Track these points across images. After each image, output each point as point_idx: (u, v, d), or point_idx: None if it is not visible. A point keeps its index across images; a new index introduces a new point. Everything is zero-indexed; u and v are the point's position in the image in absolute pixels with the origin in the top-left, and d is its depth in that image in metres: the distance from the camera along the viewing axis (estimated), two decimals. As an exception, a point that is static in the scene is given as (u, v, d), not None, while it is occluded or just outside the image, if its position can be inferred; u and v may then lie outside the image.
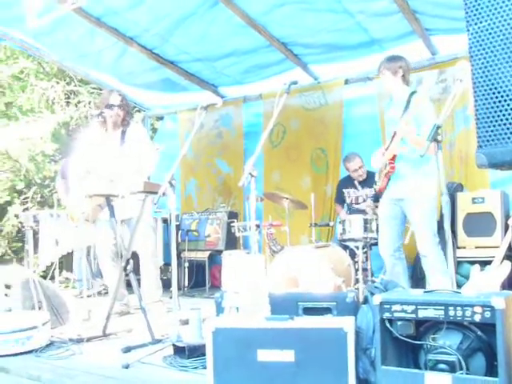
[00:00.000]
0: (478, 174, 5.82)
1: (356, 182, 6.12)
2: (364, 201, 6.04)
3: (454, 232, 5.25)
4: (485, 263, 4.44)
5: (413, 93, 4.44)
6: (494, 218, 5.24)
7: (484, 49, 1.47)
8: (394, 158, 4.44)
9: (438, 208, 4.53)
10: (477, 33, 1.47)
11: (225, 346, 2.68)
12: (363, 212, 5.65)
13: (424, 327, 2.50)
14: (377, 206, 5.71)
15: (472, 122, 5.89)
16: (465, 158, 6.02)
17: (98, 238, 5.04)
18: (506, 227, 4.99)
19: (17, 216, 8.92)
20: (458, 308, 2.31)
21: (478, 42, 1.48)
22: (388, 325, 2.47)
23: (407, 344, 2.50)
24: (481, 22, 1.47)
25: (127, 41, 6.52)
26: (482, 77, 1.47)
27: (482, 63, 1.46)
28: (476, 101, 1.48)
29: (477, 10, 1.49)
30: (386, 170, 4.51)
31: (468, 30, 1.49)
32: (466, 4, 1.50)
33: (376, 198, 5.93)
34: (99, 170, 4.84)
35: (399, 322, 2.45)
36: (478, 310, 2.27)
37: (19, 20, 5.63)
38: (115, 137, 5.05)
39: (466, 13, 1.50)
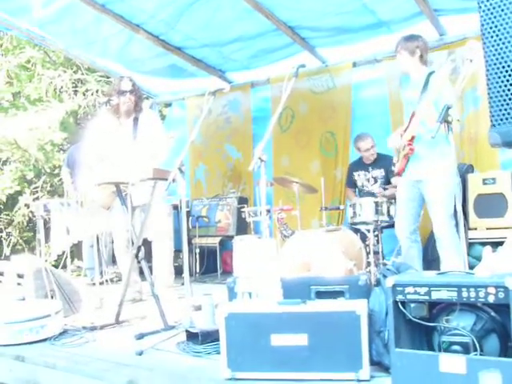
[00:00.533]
0: (488, 155, 5.79)
1: (366, 164, 6.11)
2: (375, 182, 6.03)
3: (464, 213, 5.22)
4: (496, 244, 4.43)
5: (431, 73, 4.38)
6: (505, 198, 5.20)
7: (496, 26, 1.45)
8: (412, 139, 4.37)
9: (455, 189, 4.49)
10: (489, 10, 1.45)
11: (238, 330, 2.68)
12: (374, 195, 5.65)
13: (437, 309, 2.49)
14: (385, 189, 5.72)
15: (481, 103, 5.85)
16: (474, 139, 5.98)
17: (113, 225, 5.05)
18: (519, 208, 4.98)
19: (27, 206, 8.97)
20: (472, 289, 2.29)
21: (489, 19, 1.45)
22: (401, 307, 2.46)
23: (420, 326, 2.50)
24: (493, -1, 1.44)
25: (133, 27, 6.49)
26: (494, 55, 1.44)
27: (495, 41, 1.44)
28: (488, 79, 1.46)
29: (489, -14, 1.46)
30: (404, 152, 4.46)
31: (480, 7, 1.46)
32: (476, -19, 1.48)
33: (387, 180, 5.93)
34: (112, 157, 4.85)
35: (412, 304, 2.44)
36: (491, 290, 2.25)
37: (25, 10, 5.64)
38: (128, 124, 5.05)
39: (478, -11, 1.47)
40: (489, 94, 1.45)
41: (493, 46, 1.44)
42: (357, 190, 6.31)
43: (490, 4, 1.43)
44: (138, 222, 4.77)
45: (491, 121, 1.46)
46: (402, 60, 4.52)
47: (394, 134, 4.64)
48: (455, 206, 3.37)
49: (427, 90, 4.28)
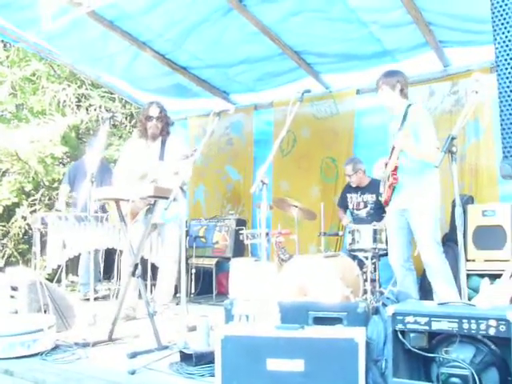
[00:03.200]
0: (488, 187, 5.80)
1: (359, 188, 6.19)
2: (365, 206, 6.06)
3: (463, 244, 5.20)
4: (494, 277, 4.42)
5: (409, 105, 4.55)
6: (504, 231, 5.19)
7: (511, 58, 1.44)
8: (396, 169, 4.52)
9: (440, 217, 4.55)
10: (504, 42, 1.45)
11: (234, 354, 2.65)
12: (362, 220, 5.68)
13: (436, 340, 2.47)
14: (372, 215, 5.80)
15: (483, 135, 5.87)
16: (475, 170, 5.99)
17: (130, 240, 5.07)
18: (517, 241, 4.97)
19: (24, 218, 8.92)
20: (473, 321, 2.28)
21: (505, 51, 1.45)
22: (400, 336, 2.44)
23: (419, 356, 2.47)
24: (508, 32, 1.44)
25: (140, 45, 6.53)
26: (508, 86, 1.44)
27: (509, 73, 1.44)
28: (502, 111, 1.45)
29: (504, 19, 1.46)
30: (389, 182, 4.56)
31: (495, 39, 1.47)
32: (493, 13, 1.48)
33: (377, 206, 5.95)
34: (137, 176, 4.95)
35: (412, 334, 2.43)
36: (492, 323, 2.24)
37: (33, 22, 5.66)
38: (155, 146, 5.23)
39: (494, 22, 1.48)
40: (502, 125, 1.45)
41: (507, 77, 1.44)
42: (348, 212, 6.33)
43: (506, 36, 1.43)
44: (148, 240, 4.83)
45: (503, 152, 1.45)
46: (384, 95, 4.66)
47: (377, 164, 4.74)
48: (456, 237, 3.36)
49: (406, 121, 4.44)
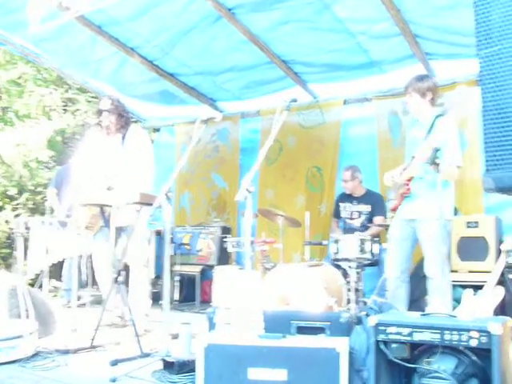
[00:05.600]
0: (473, 199, 5.84)
1: (353, 197, 6.17)
2: (359, 217, 6.06)
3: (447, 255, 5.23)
4: (477, 288, 4.44)
5: (438, 116, 4.34)
6: (487, 242, 5.23)
7: (494, 73, 1.46)
8: (410, 179, 4.38)
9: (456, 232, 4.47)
10: (487, 57, 1.47)
11: (216, 362, 2.64)
12: (355, 230, 5.67)
13: (418, 351, 2.47)
14: (367, 227, 5.78)
15: (468, 147, 5.92)
16: (460, 181, 6.02)
17: (96, 247, 4.99)
18: (499, 252, 5.00)
19: (7, 222, 8.85)
20: (455, 332, 2.29)
21: (488, 66, 1.47)
22: (383, 347, 2.45)
23: (401, 367, 2.48)
24: (491, 47, 1.46)
25: (128, 51, 6.52)
26: (491, 101, 1.46)
27: (492, 87, 1.45)
28: (485, 125, 1.47)
29: (488, 34, 1.48)
30: (401, 190, 4.46)
31: (479, 54, 1.48)
32: (477, 29, 1.50)
33: (371, 217, 5.96)
34: (97, 177, 4.81)
35: (394, 345, 2.43)
36: (474, 334, 2.25)
37: (21, 25, 5.64)
38: (115, 142, 5.02)
39: (477, 37, 1.50)
40: (485, 139, 1.47)
41: (490, 92, 1.45)
42: (341, 221, 6.32)
43: (489, 52, 1.45)
44: (119, 244, 4.72)
45: (486, 166, 1.47)
46: (412, 102, 4.43)
47: (392, 172, 4.61)
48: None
49: (432, 133, 4.24)
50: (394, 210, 4.61)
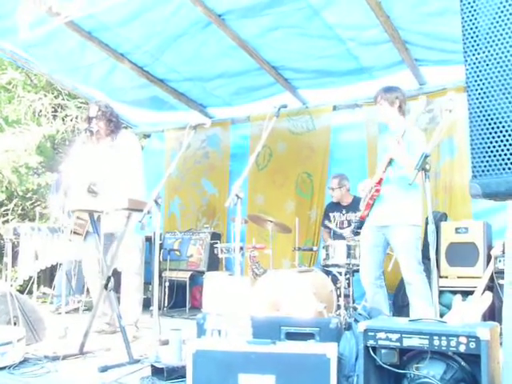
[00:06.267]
0: (462, 205, 5.87)
1: (342, 206, 6.16)
2: (349, 225, 6.06)
3: (436, 261, 5.25)
4: (466, 293, 4.46)
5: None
6: (476, 248, 5.25)
7: (481, 79, 1.47)
8: (380, 181, 4.43)
9: (422, 236, 4.55)
10: (474, 63, 1.48)
11: (205, 368, 2.64)
12: (345, 238, 5.67)
13: (407, 356, 2.48)
14: (357, 233, 5.76)
15: (457, 153, 5.96)
16: (449, 187, 6.06)
17: (85, 253, 4.96)
18: (489, 258, 5.02)
19: (-4, 228, 8.80)
20: (443, 338, 2.29)
21: (475, 72, 1.48)
22: (372, 352, 2.45)
23: (390, 372, 2.48)
24: (478, 54, 1.47)
25: (118, 57, 6.51)
26: (478, 107, 1.47)
27: (479, 94, 1.46)
28: (472, 131, 1.48)
29: (475, 41, 1.49)
30: (370, 194, 4.50)
31: (466, 61, 1.49)
32: (464, 35, 1.51)
33: (360, 225, 5.96)
34: (85, 183, 4.79)
35: (383, 350, 2.44)
36: (463, 340, 2.26)
37: (10, 31, 5.63)
38: (104, 147, 4.99)
39: (464, 43, 1.50)
40: (471, 145, 1.47)
41: (477, 98, 1.46)
42: (331, 231, 6.32)
43: (476, 58, 1.46)
44: (109, 250, 4.70)
45: (472, 172, 1.48)
46: (382, 110, 4.60)
47: (364, 181, 4.69)
48: (429, 253, 3.39)
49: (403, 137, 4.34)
50: (363, 218, 4.65)
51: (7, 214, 8.94)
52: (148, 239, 6.48)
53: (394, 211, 4.38)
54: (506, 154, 1.42)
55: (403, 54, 5.74)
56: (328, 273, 5.41)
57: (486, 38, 1.47)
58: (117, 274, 4.82)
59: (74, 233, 4.76)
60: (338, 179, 6.14)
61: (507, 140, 1.43)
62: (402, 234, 4.35)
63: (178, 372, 3.13)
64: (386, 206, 4.44)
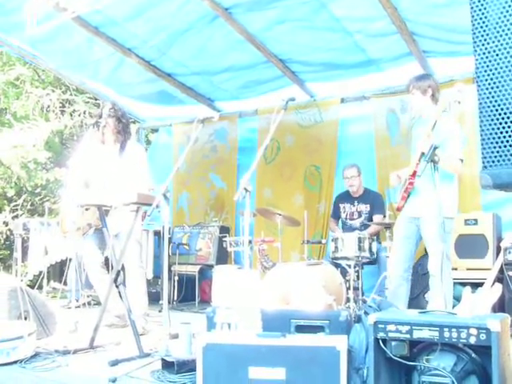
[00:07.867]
0: (471, 196, 5.83)
1: (353, 197, 6.15)
2: (359, 216, 6.06)
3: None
4: (476, 285, 4.44)
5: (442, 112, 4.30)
6: (486, 240, 5.24)
7: (491, 69, 1.46)
8: (414, 174, 4.32)
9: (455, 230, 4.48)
10: (484, 54, 1.47)
11: (215, 361, 2.64)
12: (355, 229, 5.66)
13: (418, 348, 2.47)
14: (366, 226, 5.76)
15: (466, 145, 5.92)
16: (458, 179, 6.02)
17: (85, 250, 4.97)
18: (498, 250, 5.01)
19: (6, 223, 8.85)
20: (454, 330, 2.29)
21: (484, 62, 1.47)
22: (382, 345, 2.45)
23: (400, 365, 2.48)
24: (488, 44, 1.46)
25: (125, 52, 6.51)
26: (488, 97, 1.46)
27: (489, 84, 1.45)
28: (481, 121, 1.47)
29: (484, 31, 1.48)
30: (405, 187, 4.44)
31: (475, 51, 1.48)
32: (473, 25, 1.50)
33: (370, 216, 5.96)
34: (95, 182, 4.80)
35: (393, 343, 2.43)
36: (473, 332, 2.25)
37: (18, 27, 5.63)
38: (113, 150, 4.97)
39: (474, 34, 1.49)
40: (481, 135, 1.46)
41: (487, 89, 1.45)
42: (340, 222, 6.32)
43: (486, 48, 1.45)
44: (116, 246, 4.71)
45: (483, 162, 1.47)
46: (415, 99, 4.53)
47: (398, 171, 4.63)
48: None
49: (435, 129, 4.18)
50: (399, 209, 4.60)
51: (16, 210, 8.99)
52: (157, 233, 6.51)
53: (426, 203, 4.28)
54: (516, 144, 1.41)
55: (411, 46, 5.71)
56: (337, 265, 5.40)
57: (495, 28, 1.46)
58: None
59: (77, 229, 4.76)
60: (355, 167, 6.10)
61: (517, 130, 1.42)
62: (432, 225, 4.25)
63: (188, 365, 3.13)
64: (419, 197, 4.39)
